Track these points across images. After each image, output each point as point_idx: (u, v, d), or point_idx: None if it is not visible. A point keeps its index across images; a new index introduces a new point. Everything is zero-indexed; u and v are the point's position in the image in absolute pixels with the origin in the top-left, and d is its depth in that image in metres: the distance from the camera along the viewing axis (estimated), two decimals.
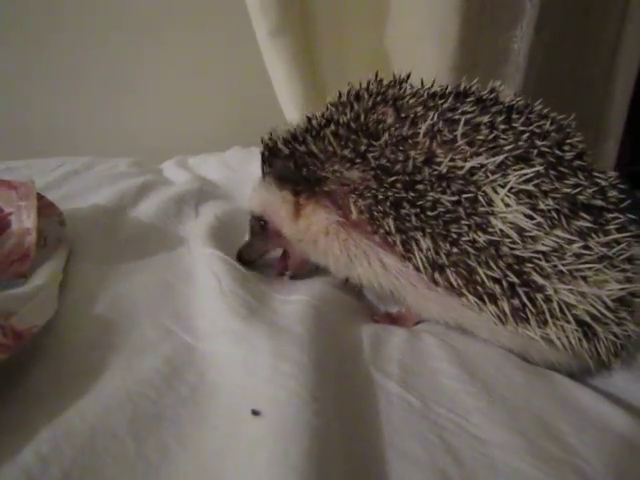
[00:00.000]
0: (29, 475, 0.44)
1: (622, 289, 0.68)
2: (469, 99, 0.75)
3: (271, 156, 0.84)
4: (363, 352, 0.71)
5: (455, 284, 0.69)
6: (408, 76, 0.82)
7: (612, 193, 0.72)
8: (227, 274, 0.81)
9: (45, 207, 0.88)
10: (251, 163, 1.60)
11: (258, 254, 0.93)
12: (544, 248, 0.66)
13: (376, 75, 0.82)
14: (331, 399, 0.57)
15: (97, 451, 0.48)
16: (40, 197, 0.87)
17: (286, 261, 0.93)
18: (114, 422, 0.52)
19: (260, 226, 0.89)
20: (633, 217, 0.74)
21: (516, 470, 0.52)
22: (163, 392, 0.57)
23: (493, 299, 0.68)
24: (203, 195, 1.27)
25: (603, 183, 0.72)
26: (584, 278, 0.67)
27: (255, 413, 0.52)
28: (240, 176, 1.52)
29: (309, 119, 0.82)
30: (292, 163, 0.79)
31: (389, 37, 1.74)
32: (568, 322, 0.67)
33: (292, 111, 1.63)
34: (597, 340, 0.69)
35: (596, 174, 0.73)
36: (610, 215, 0.70)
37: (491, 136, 0.70)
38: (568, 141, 0.74)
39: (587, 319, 0.67)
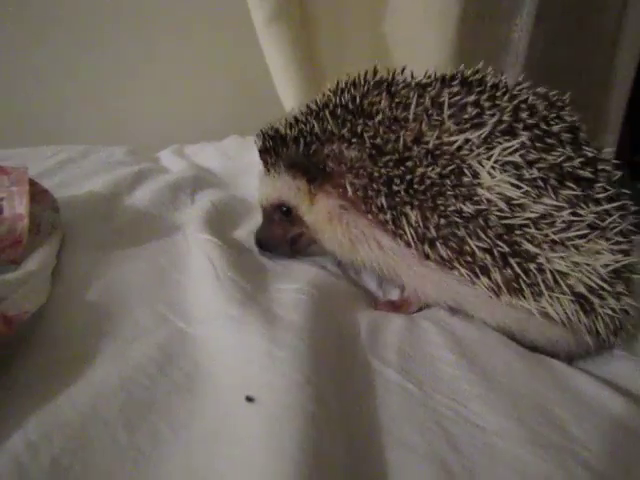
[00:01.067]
0: (18, 462, 0.43)
1: (616, 261, 0.69)
2: (454, 82, 0.77)
3: (275, 144, 0.84)
4: (361, 339, 0.70)
5: (446, 257, 0.70)
6: (403, 69, 0.83)
7: (602, 166, 0.74)
8: (222, 260, 0.80)
9: (38, 193, 0.87)
10: (248, 152, 1.59)
11: (281, 240, 0.92)
12: (532, 215, 0.67)
13: (374, 68, 0.83)
14: (327, 386, 0.56)
15: (87, 439, 0.48)
16: (33, 183, 0.86)
17: (299, 243, 0.93)
18: (105, 410, 0.51)
19: (282, 213, 0.88)
20: (626, 192, 0.75)
21: (515, 457, 0.52)
22: (156, 379, 0.56)
23: (485, 271, 0.69)
24: (199, 183, 1.25)
25: (591, 155, 0.73)
26: (576, 247, 0.68)
27: (249, 399, 0.51)
28: (237, 164, 1.52)
29: (308, 104, 0.84)
30: (298, 146, 0.79)
31: (388, 25, 1.73)
32: (563, 293, 0.67)
33: (290, 99, 1.62)
34: (595, 315, 0.70)
35: (586, 148, 0.74)
36: (599, 185, 0.72)
37: (475, 113, 0.71)
38: (554, 114, 0.74)
39: (582, 290, 0.68)
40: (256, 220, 1.02)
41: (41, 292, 0.67)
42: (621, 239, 0.71)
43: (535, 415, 0.58)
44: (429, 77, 0.80)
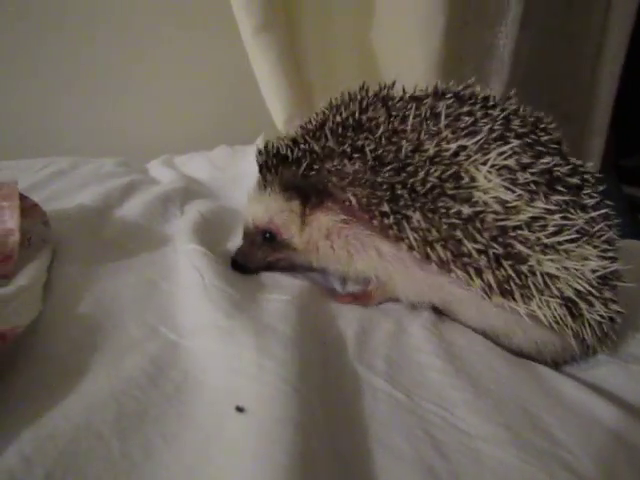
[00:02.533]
0: (12, 476, 0.44)
1: (604, 267, 0.71)
2: (448, 96, 0.80)
3: (276, 162, 0.84)
4: (348, 348, 0.71)
5: (445, 259, 0.72)
6: (393, 83, 0.86)
7: (587, 176, 0.77)
8: (210, 269, 0.81)
9: (29, 208, 0.87)
10: (237, 162, 1.60)
11: (259, 263, 0.92)
12: (526, 217, 0.70)
13: (363, 85, 0.86)
14: (316, 395, 0.57)
15: (81, 451, 0.48)
16: (23, 197, 0.86)
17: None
18: (98, 422, 0.52)
19: (264, 238, 0.88)
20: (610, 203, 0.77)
21: (501, 462, 0.53)
22: (148, 391, 0.57)
23: (479, 273, 0.71)
24: (189, 194, 1.26)
25: (576, 164, 0.77)
26: (566, 251, 0.70)
27: (239, 410, 0.52)
28: (226, 175, 1.52)
29: (305, 124, 0.86)
30: (299, 167, 0.80)
31: (375, 33, 1.74)
32: (552, 296, 0.70)
33: (278, 110, 1.63)
34: (582, 320, 0.72)
35: (571, 159, 0.78)
36: (585, 192, 0.75)
37: (470, 122, 0.75)
38: (542, 126, 0.79)
39: (571, 294, 0.70)
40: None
41: (32, 306, 0.67)
42: (608, 247, 0.74)
43: (520, 420, 0.59)
44: (422, 91, 0.84)
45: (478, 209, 0.70)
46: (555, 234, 0.70)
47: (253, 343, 0.63)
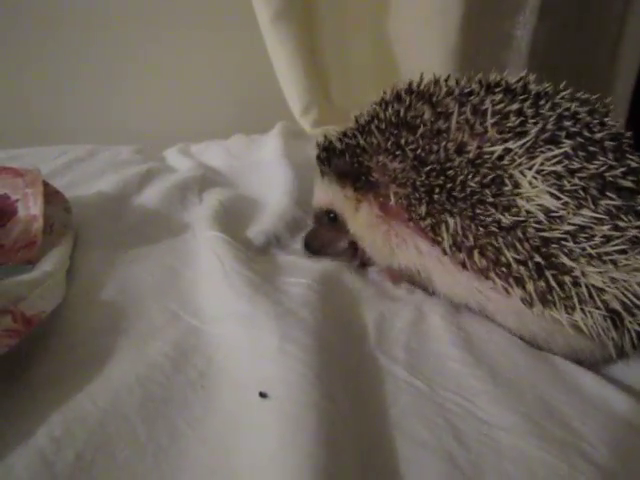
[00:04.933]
0: (43, 457, 0.45)
1: None
2: (498, 89, 0.78)
3: (328, 155, 0.89)
4: (369, 336, 0.71)
5: (482, 266, 0.71)
6: (447, 78, 0.85)
7: None
8: (229, 255, 0.82)
9: (51, 194, 0.88)
10: (253, 151, 1.60)
11: (328, 244, 0.97)
12: (571, 228, 0.66)
13: (421, 77, 0.86)
14: (338, 382, 0.57)
15: (109, 434, 0.49)
16: (46, 184, 0.87)
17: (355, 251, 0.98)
18: (124, 406, 0.53)
19: (329, 218, 0.93)
20: None
21: (521, 452, 0.53)
22: (171, 376, 0.58)
23: (520, 282, 0.69)
24: (206, 182, 1.26)
25: (634, 165, 0.72)
26: (614, 262, 0.67)
27: (262, 395, 0.52)
28: (242, 163, 1.52)
29: (356, 118, 0.88)
30: (347, 158, 0.84)
31: (391, 21, 1.74)
32: (597, 308, 0.66)
33: (295, 98, 1.63)
34: (623, 330, 0.69)
35: (630, 156, 0.72)
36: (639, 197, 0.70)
37: (518, 122, 0.72)
38: (597, 121, 0.74)
39: (617, 307, 0.67)
40: (262, 218, 1.07)
41: (57, 292, 0.68)
42: None
43: (540, 411, 0.59)
44: (472, 82, 0.82)
45: (519, 219, 0.68)
46: (603, 245, 0.66)
47: (274, 327, 0.64)
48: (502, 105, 0.74)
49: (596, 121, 0.73)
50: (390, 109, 0.82)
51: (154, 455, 0.48)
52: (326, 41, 1.66)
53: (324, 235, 0.96)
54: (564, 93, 0.77)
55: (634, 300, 0.67)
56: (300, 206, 1.10)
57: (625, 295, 0.66)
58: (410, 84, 0.85)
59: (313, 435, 0.46)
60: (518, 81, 0.79)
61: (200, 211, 1.06)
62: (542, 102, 0.75)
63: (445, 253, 0.74)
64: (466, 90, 0.79)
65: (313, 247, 0.96)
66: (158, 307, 0.72)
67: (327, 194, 0.91)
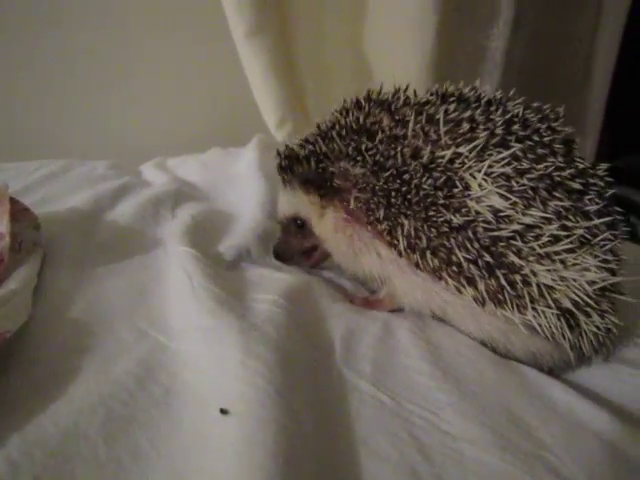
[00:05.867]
0: None
1: (603, 280, 0.70)
2: (451, 99, 0.80)
3: (290, 162, 0.89)
4: (335, 351, 0.71)
5: (435, 267, 0.73)
6: (406, 88, 0.87)
7: (594, 180, 0.75)
8: (198, 270, 0.82)
9: (20, 212, 0.87)
10: (230, 164, 1.60)
11: (296, 251, 0.98)
12: (519, 227, 0.68)
13: (369, 90, 0.87)
14: (300, 397, 0.57)
15: (69, 455, 0.49)
16: (15, 202, 0.86)
17: (314, 257, 0.99)
18: (86, 426, 0.52)
19: (297, 225, 0.94)
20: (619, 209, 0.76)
21: (484, 464, 0.53)
22: (136, 394, 0.58)
23: (472, 282, 0.71)
24: (180, 197, 1.25)
25: (581, 167, 0.75)
26: (563, 262, 0.69)
27: (223, 412, 0.52)
28: (219, 177, 1.52)
29: (318, 125, 0.89)
30: (311, 165, 0.84)
31: (368, 34, 1.75)
32: (549, 307, 0.69)
33: (270, 112, 1.63)
34: (580, 331, 0.71)
35: (578, 160, 0.75)
36: (589, 197, 0.72)
37: (469, 128, 0.74)
38: (546, 126, 0.76)
39: (569, 305, 0.69)
40: (234, 231, 1.07)
41: (22, 311, 0.68)
42: (610, 257, 0.72)
43: (505, 422, 0.59)
44: (429, 93, 0.84)
45: (469, 219, 0.70)
46: (550, 244, 0.69)
47: (237, 341, 0.64)
48: (455, 114, 0.76)
49: (545, 126, 0.76)
50: (351, 116, 0.83)
51: (114, 476, 0.48)
52: (303, 55, 1.67)
53: (293, 243, 0.97)
54: (517, 101, 0.80)
55: (585, 299, 0.69)
56: (273, 218, 1.10)
57: (576, 294, 0.69)
58: (369, 92, 0.86)
59: (270, 452, 0.46)
60: (471, 90, 0.82)
61: (172, 226, 1.06)
62: (493, 108, 0.77)
63: (400, 255, 0.76)
64: (422, 100, 0.82)
65: (284, 256, 0.97)
66: (126, 324, 0.72)
67: (292, 202, 0.92)
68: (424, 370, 0.68)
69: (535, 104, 0.81)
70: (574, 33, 2.05)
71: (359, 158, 0.78)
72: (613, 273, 0.73)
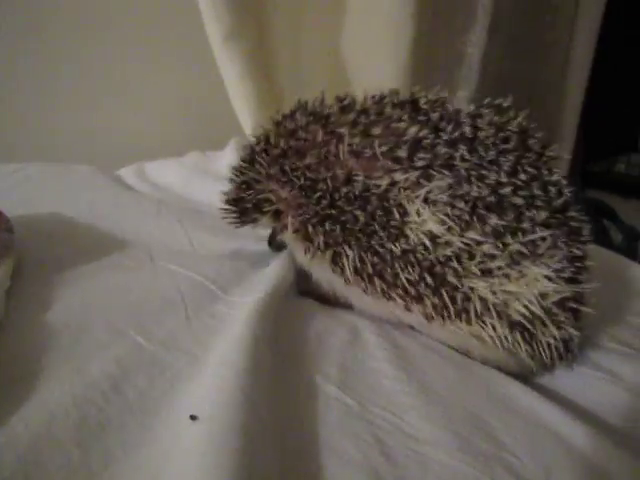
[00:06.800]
0: None
1: (556, 290, 0.69)
2: (398, 110, 0.76)
3: (236, 204, 0.86)
4: (304, 355, 0.72)
5: (383, 289, 0.73)
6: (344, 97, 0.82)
7: (540, 192, 0.71)
8: (179, 272, 0.84)
9: None
10: (209, 167, 1.61)
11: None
12: (455, 249, 0.68)
13: (298, 100, 0.84)
14: (266, 402, 0.58)
15: (39, 459, 0.49)
16: None
17: None
18: (59, 430, 0.53)
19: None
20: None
21: (445, 466, 0.54)
22: (110, 398, 0.58)
23: (419, 300, 0.72)
24: (162, 201, 1.27)
25: (525, 178, 0.71)
26: (507, 276, 0.69)
27: (193, 418, 0.53)
28: (198, 180, 1.52)
29: (256, 143, 0.85)
30: (243, 189, 0.83)
31: (345, 39, 1.76)
32: (496, 319, 0.70)
33: (246, 116, 1.64)
34: (537, 342, 0.71)
35: (529, 169, 0.71)
36: (528, 213, 0.69)
37: (408, 151, 0.71)
38: (503, 135, 0.73)
39: (519, 318, 0.69)
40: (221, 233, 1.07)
41: None
42: (566, 265, 0.70)
43: (467, 424, 0.61)
44: (376, 101, 0.79)
45: (408, 247, 0.70)
46: (484, 263, 0.68)
47: (210, 346, 0.66)
48: (399, 128, 0.73)
49: (502, 134, 0.73)
50: (282, 129, 0.80)
51: None
52: (280, 60, 1.67)
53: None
54: (485, 111, 0.76)
55: (536, 312, 0.69)
56: None
57: (526, 307, 0.69)
58: (305, 103, 0.82)
59: (236, 454, 0.47)
60: (435, 102, 0.77)
61: (152, 230, 1.06)
62: (443, 124, 0.73)
63: (347, 281, 0.76)
64: (364, 106, 0.78)
65: (275, 245, 0.95)
66: (103, 324, 0.72)
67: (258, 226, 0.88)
68: (389, 373, 0.69)
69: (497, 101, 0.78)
70: (551, 39, 2.08)
71: (284, 179, 0.77)
72: (575, 281, 0.71)
